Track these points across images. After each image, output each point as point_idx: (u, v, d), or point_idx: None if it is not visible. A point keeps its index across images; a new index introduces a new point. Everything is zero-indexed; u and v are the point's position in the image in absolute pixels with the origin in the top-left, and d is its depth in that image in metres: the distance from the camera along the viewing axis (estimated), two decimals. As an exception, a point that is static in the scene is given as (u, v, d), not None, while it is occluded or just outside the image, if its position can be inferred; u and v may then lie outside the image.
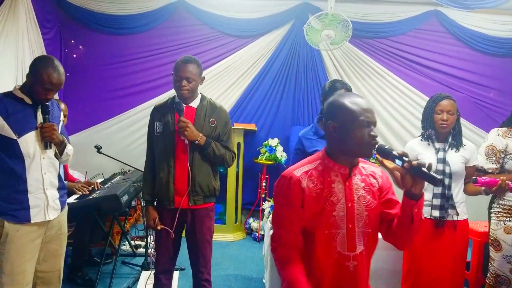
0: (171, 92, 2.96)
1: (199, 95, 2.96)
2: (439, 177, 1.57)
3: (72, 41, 5.85)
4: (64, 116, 3.93)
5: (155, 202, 2.98)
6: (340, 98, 1.77)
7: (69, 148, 2.82)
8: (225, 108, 3.05)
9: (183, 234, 3.04)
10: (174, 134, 2.84)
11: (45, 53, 5.13)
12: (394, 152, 1.66)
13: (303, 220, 1.75)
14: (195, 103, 2.92)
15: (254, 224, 5.75)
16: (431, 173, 1.57)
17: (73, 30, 5.81)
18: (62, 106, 3.95)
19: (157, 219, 2.91)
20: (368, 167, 1.87)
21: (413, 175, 1.61)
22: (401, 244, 1.82)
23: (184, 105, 2.87)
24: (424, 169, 1.57)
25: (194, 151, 2.84)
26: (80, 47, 5.88)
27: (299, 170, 1.80)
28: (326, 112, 1.82)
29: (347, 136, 1.71)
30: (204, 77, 2.98)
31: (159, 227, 2.90)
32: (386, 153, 1.68)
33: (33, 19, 4.92)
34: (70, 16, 5.75)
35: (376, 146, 1.70)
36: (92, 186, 4.12)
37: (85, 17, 5.72)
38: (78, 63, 5.84)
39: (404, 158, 1.63)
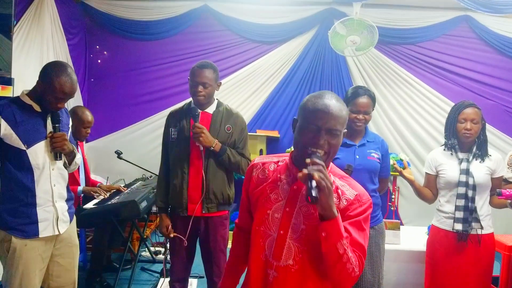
0: (193, 98, 2.92)
1: (216, 101, 2.92)
2: (314, 195, 1.34)
3: (97, 46, 5.90)
4: (88, 127, 3.93)
5: (169, 209, 2.93)
6: (309, 96, 1.59)
7: (77, 157, 2.69)
8: (241, 114, 3.00)
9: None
10: (189, 140, 2.80)
11: (69, 59, 5.18)
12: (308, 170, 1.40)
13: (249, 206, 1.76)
14: (211, 109, 2.87)
15: (276, 232, 5.65)
16: (311, 189, 1.35)
17: (98, 36, 5.86)
18: (90, 118, 3.95)
19: (170, 226, 2.86)
20: (343, 186, 1.60)
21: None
22: (332, 283, 1.55)
23: (199, 110, 2.82)
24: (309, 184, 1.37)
25: (209, 158, 2.79)
26: (105, 52, 5.92)
27: (262, 158, 1.77)
28: None
29: (297, 135, 1.56)
30: (220, 83, 2.93)
31: (171, 235, 2.85)
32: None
33: (58, 24, 4.98)
34: (95, 22, 5.80)
35: (311, 154, 1.48)
36: (113, 190, 4.11)
37: (110, 23, 5.76)
38: (103, 69, 5.88)
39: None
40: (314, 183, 1.35)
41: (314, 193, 1.34)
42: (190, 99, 2.93)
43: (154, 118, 5.84)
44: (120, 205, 3.66)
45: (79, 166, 3.73)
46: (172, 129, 2.89)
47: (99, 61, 5.91)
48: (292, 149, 1.66)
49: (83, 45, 5.75)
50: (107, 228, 4.06)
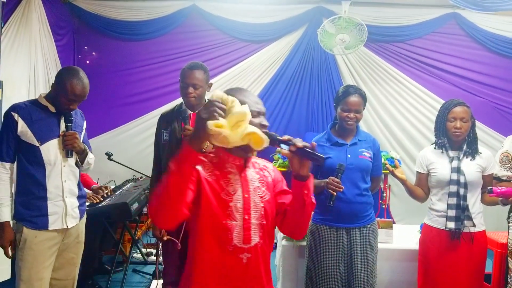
0: (183, 99, 2.90)
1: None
2: (322, 155, 1.62)
3: (85, 47, 5.86)
4: None
5: None
6: (232, 92, 1.75)
7: (90, 157, 2.82)
8: None
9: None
10: (181, 142, 2.77)
11: (58, 60, 5.16)
12: (279, 137, 1.65)
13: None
14: None
15: (267, 232, 5.65)
16: (315, 152, 1.61)
17: (86, 37, 5.82)
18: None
19: (163, 229, 2.84)
20: (260, 162, 1.90)
21: (300, 157, 1.63)
22: (296, 232, 1.87)
23: (189, 112, 2.81)
24: (308, 149, 1.60)
25: None
26: (93, 53, 5.89)
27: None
28: None
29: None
30: (211, 83, 2.91)
31: (165, 238, 2.83)
32: (272, 139, 1.65)
33: (46, 26, 4.95)
34: (83, 23, 5.76)
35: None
36: (106, 191, 4.06)
37: (98, 23, 5.73)
38: (91, 70, 5.79)
39: (289, 141, 1.63)
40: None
41: (319, 155, 1.61)
42: (181, 100, 2.91)
43: (144, 118, 5.81)
44: (111, 207, 3.64)
45: None
46: (164, 131, 2.87)
47: (87, 61, 5.87)
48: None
49: (71, 46, 5.71)
50: (98, 230, 4.03)
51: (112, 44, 5.81)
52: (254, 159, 1.88)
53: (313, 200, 1.74)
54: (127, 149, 5.65)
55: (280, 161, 5.47)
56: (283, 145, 1.63)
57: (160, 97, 5.74)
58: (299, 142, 1.60)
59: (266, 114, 5.20)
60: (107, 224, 3.95)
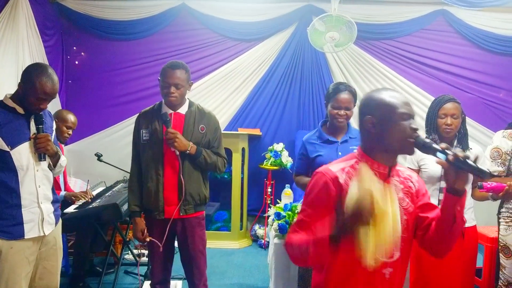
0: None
1: (187, 101, 2.88)
2: (487, 170, 1.46)
3: (74, 48, 5.82)
4: (70, 128, 3.88)
5: (142, 213, 2.89)
6: (377, 93, 1.68)
7: (62, 159, 2.69)
8: (214, 114, 2.96)
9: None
10: (162, 142, 2.75)
11: (46, 61, 5.09)
12: (436, 146, 1.53)
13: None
14: (183, 110, 2.83)
15: (260, 231, 5.66)
16: (478, 166, 1.44)
17: (74, 37, 5.78)
18: (73, 119, 3.90)
19: (145, 230, 2.83)
20: (404, 171, 1.77)
21: (458, 169, 1.48)
22: (440, 251, 1.70)
23: (172, 111, 2.79)
24: (470, 162, 1.45)
25: (185, 160, 2.75)
26: (82, 54, 5.84)
27: (335, 166, 1.68)
28: (362, 107, 1.70)
29: (387, 130, 1.60)
30: (192, 83, 2.89)
31: (147, 239, 2.81)
32: (427, 147, 1.55)
33: (33, 26, 4.89)
34: (72, 23, 5.72)
35: (416, 139, 1.58)
36: (90, 196, 4.01)
37: (87, 23, 5.69)
38: (80, 70, 5.81)
39: (447, 151, 1.49)
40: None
41: (483, 168, 1.45)
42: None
43: (134, 119, 5.69)
44: (101, 208, 3.61)
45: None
46: (143, 131, 2.82)
47: (76, 62, 5.83)
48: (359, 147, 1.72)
49: (59, 46, 5.66)
50: (89, 232, 4.00)
51: (101, 44, 5.78)
52: (399, 167, 1.75)
53: (464, 218, 1.60)
54: (117, 150, 5.58)
55: (272, 159, 5.46)
56: (439, 154, 1.51)
57: (151, 97, 5.66)
58: (460, 152, 1.46)
59: (257, 112, 5.20)
60: (98, 226, 3.92)
